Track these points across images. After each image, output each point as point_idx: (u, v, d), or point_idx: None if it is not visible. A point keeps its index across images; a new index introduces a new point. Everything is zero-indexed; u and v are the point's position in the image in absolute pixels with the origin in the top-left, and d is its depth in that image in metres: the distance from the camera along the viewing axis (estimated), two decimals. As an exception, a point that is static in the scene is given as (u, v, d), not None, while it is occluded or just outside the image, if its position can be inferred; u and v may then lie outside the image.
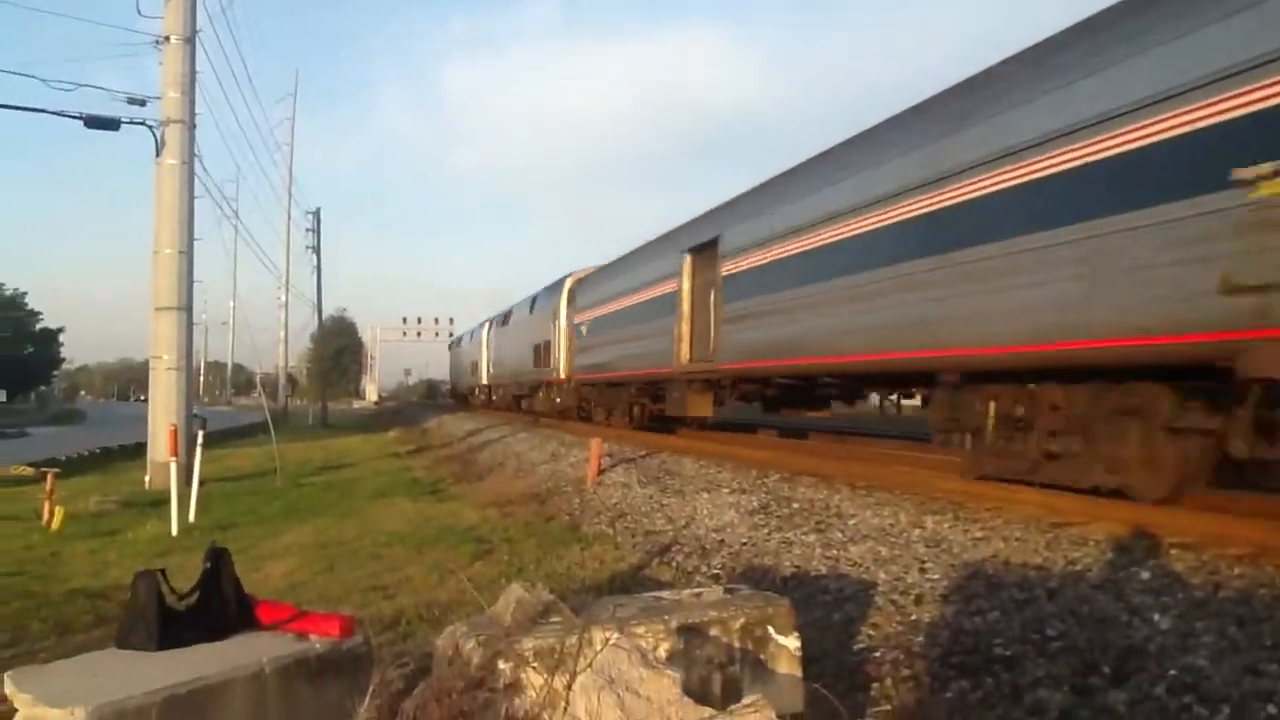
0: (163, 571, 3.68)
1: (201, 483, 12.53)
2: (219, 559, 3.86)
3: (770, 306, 13.82)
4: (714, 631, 3.87)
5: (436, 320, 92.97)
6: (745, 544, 8.42)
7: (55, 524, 11.42)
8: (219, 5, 28.31)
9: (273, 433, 20.07)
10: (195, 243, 18.14)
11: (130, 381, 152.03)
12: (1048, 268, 8.11)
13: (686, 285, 17.45)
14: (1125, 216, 7.38)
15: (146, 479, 16.57)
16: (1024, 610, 5.27)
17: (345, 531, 11.03)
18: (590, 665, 3.42)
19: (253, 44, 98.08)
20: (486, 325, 43.07)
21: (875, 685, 4.80)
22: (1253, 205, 6.29)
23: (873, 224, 11.06)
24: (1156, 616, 4.81)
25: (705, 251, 16.75)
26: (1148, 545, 6.22)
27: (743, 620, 3.94)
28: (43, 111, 16.87)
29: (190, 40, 17.63)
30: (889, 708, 4.57)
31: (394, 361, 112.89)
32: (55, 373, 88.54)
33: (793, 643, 4.00)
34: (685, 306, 17.42)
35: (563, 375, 27.22)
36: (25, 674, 3.32)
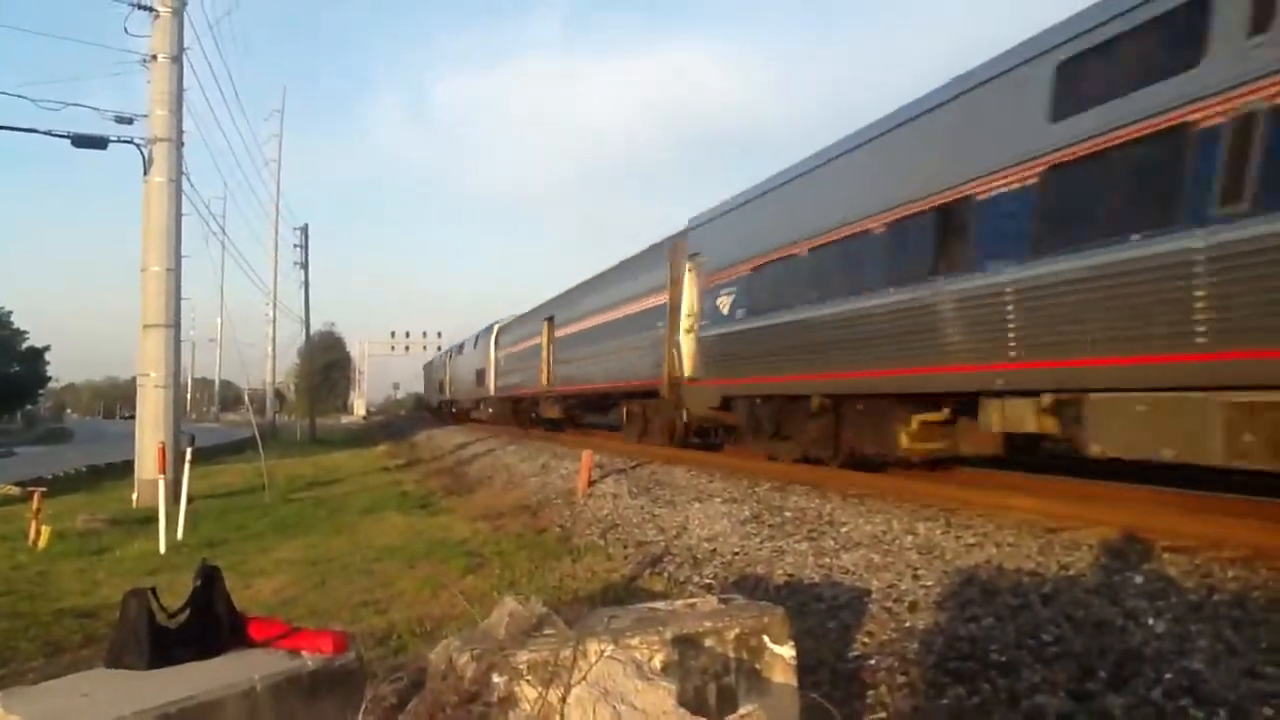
0: (153, 590, 3.64)
1: (190, 500, 12.45)
2: (210, 576, 3.82)
3: (569, 357, 26.66)
4: (709, 642, 3.84)
5: (425, 334, 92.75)
6: (737, 553, 8.40)
7: (42, 543, 11.33)
8: (207, 23, 28.20)
9: (261, 449, 19.95)
10: (183, 260, 18.07)
11: (116, 399, 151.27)
12: (627, 351, 20.44)
13: (545, 340, 29.39)
14: (636, 335, 19.77)
15: (134, 496, 16.43)
16: (1019, 616, 5.27)
17: (336, 547, 10.96)
18: (585, 678, 3.40)
19: (242, 61, 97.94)
20: (449, 352, 55.62)
21: (871, 693, 4.78)
22: (658, 337, 18.04)
23: (599, 320, 23.34)
24: (1152, 620, 4.81)
25: (551, 321, 28.96)
26: (1141, 549, 6.23)
27: (737, 630, 3.91)
28: (32, 131, 16.78)
29: (178, 59, 17.56)
30: (885, 715, 4.55)
31: (383, 376, 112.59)
32: (41, 391, 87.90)
33: (788, 652, 3.97)
34: (544, 352, 29.36)
35: (493, 393, 38.73)
36: (14, 695, 3.28)
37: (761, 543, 8.52)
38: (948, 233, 9.65)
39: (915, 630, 5.50)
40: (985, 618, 5.37)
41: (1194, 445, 6.96)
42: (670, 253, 18.08)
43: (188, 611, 3.72)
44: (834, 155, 12.22)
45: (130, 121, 17.39)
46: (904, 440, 10.90)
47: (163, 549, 10.79)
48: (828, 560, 7.46)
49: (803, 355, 12.34)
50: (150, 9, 17.22)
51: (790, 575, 7.31)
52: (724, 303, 14.98)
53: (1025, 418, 8.67)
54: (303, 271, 49.81)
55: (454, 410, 51.76)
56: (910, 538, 7.63)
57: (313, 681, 3.55)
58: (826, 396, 12.25)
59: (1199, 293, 6.69)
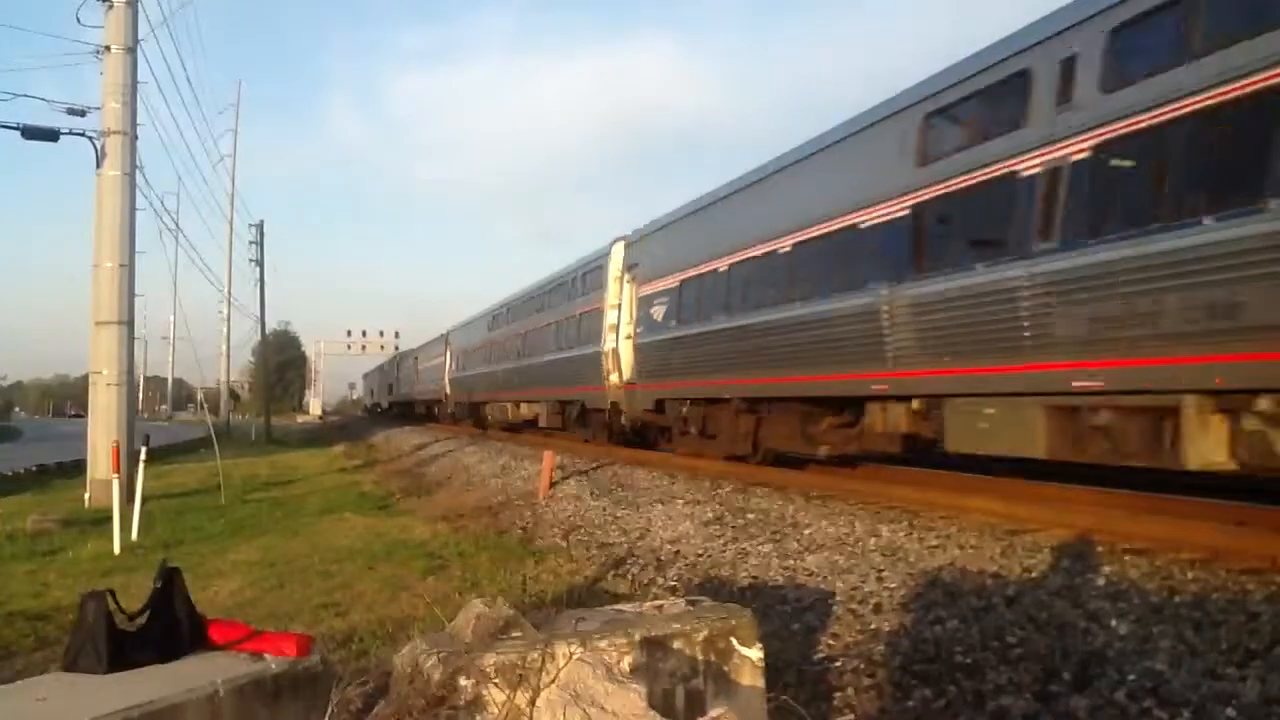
0: (111, 592, 3.55)
1: (144, 500, 12.24)
2: (170, 578, 3.73)
3: (422, 380, 49.63)
4: (677, 644, 3.82)
5: (382, 333, 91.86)
6: (701, 555, 8.39)
7: (-9, 545, 11.09)
8: (161, 14, 27.70)
9: (217, 448, 19.68)
10: (137, 256, 17.75)
11: (66, 398, 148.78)
12: (436, 379, 44.47)
13: (416, 368, 52.29)
14: (437, 374, 43.87)
15: (86, 497, 16.14)
16: (983, 618, 5.29)
17: (294, 548, 10.83)
18: (554, 681, 3.36)
19: (197, 55, 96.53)
20: (377, 369, 79.65)
21: (838, 694, 4.79)
22: (442, 374, 43.03)
23: (427, 364, 48.55)
24: (1114, 622, 4.85)
25: (416, 359, 53.62)
26: (1102, 551, 6.29)
27: (706, 632, 3.90)
28: (-20, 123, 16.46)
29: (132, 50, 17.27)
30: (853, 717, 4.56)
31: (339, 376, 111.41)
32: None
33: (756, 654, 3.96)
34: (415, 375, 52.47)
35: (396, 398, 61.36)
36: (-33, 700, 3.19)
37: (725, 545, 8.52)
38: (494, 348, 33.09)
39: (880, 632, 5.52)
40: (950, 620, 5.39)
41: None
42: (444, 341, 41.90)
43: (147, 614, 3.63)
44: (494, 312, 32.35)
45: (83, 114, 17.11)
46: (503, 417, 29.83)
47: (117, 550, 10.61)
48: (792, 562, 7.47)
49: (480, 385, 32.78)
50: (104, -1, 16.92)
51: (755, 577, 7.31)
52: (458, 364, 38.25)
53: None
54: (258, 269, 49.29)
55: (379, 410, 73.15)
56: (873, 540, 7.66)
57: (276, 685, 3.48)
58: (478, 401, 33.71)
59: None
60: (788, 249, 11.91)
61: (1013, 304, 8.00)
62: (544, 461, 14.19)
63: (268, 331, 55.77)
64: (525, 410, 26.80)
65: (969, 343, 8.62)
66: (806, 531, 8.37)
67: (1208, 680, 4.11)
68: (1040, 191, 7.81)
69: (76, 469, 20.42)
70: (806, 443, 12.38)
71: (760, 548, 8.12)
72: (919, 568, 6.60)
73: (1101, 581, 5.58)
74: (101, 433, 16.40)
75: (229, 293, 51.87)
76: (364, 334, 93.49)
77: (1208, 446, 6.63)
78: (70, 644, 3.51)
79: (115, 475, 11.90)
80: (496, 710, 3.30)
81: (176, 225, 46.14)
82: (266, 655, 3.62)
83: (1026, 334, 7.84)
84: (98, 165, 16.86)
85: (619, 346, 17.86)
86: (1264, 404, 6.31)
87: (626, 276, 17.99)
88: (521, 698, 3.32)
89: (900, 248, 9.67)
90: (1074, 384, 7.41)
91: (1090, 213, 7.43)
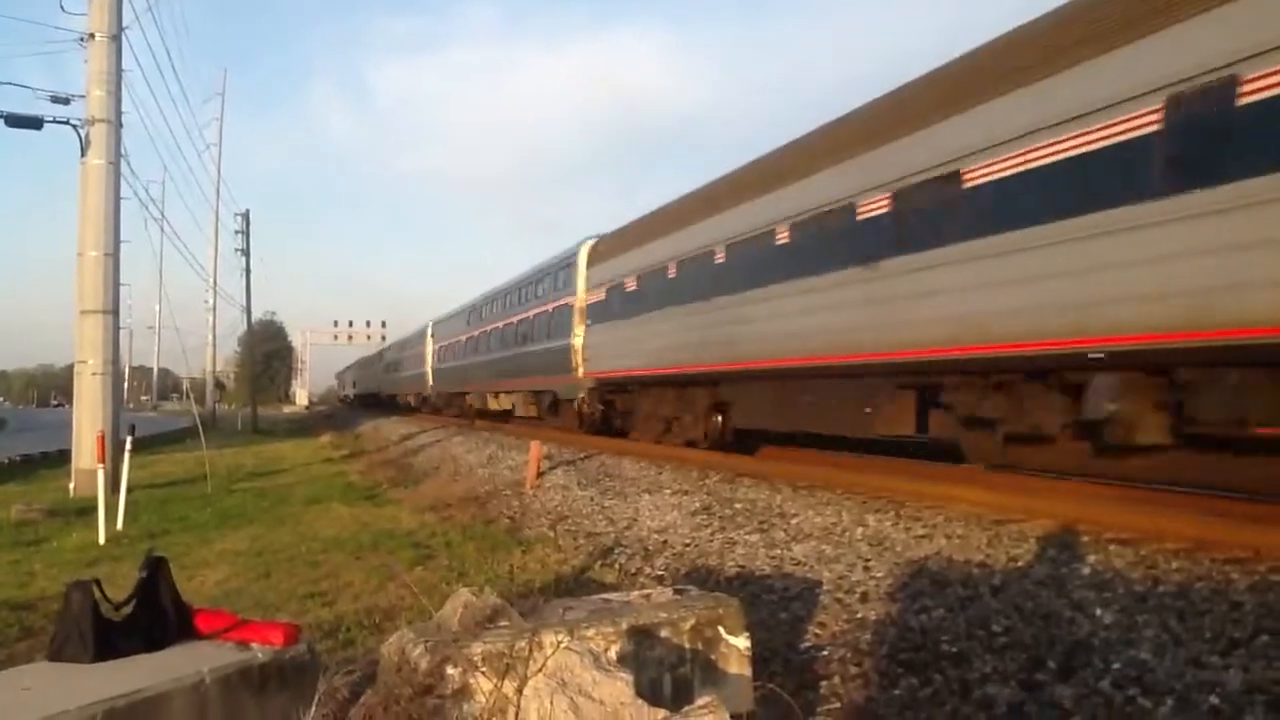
0: (97, 581, 3.54)
1: (129, 490, 12.18)
2: (156, 567, 3.72)
3: (374, 377, 70.31)
4: (665, 633, 3.84)
5: (369, 324, 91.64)
6: (689, 545, 8.40)
7: (-25, 534, 11.01)
8: (146, 2, 27.46)
9: (203, 438, 19.59)
10: (121, 245, 17.61)
11: (50, 387, 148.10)
12: (376, 379, 70.37)
13: (369, 372, 74.19)
14: (373, 377, 72.33)
15: (71, 486, 16.05)
16: (969, 607, 5.32)
17: (280, 538, 10.79)
18: (541, 669, 3.36)
19: (183, 43, 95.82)
20: (348, 367, 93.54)
21: (825, 683, 4.80)
22: (382, 379, 67.42)
23: (372, 371, 74.07)
24: (1099, 611, 4.88)
25: (372, 364, 75.29)
26: (1087, 541, 6.32)
27: (693, 621, 3.91)
28: (-39, 110, 16.31)
29: (117, 37, 17.12)
30: (839, 705, 4.57)
31: (325, 366, 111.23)
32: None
33: (743, 643, 3.99)
34: (366, 375, 76.62)
35: (358, 391, 79.54)
36: (-49, 689, 3.17)
37: (713, 534, 8.54)
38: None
39: (867, 621, 5.54)
40: (936, 609, 5.42)
41: None
42: (376, 357, 71.20)
43: (133, 603, 3.62)
44: (400, 341, 61.01)
45: (67, 101, 16.93)
46: (403, 402, 54.70)
47: (102, 540, 10.55)
48: (779, 552, 7.49)
49: (396, 385, 56.11)
50: (89, -15, 16.76)
51: (742, 566, 7.33)
52: (387, 369, 61.27)
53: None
54: (244, 258, 48.98)
55: (350, 401, 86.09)
56: (860, 529, 7.69)
57: (263, 674, 3.47)
58: (393, 393, 58.53)
59: None
60: (461, 340, 35.74)
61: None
62: (531, 451, 14.18)
63: (254, 321, 55.59)
64: (409, 398, 50.91)
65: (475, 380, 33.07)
66: (794, 521, 8.39)
67: (1191, 669, 4.14)
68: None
69: (61, 459, 20.30)
70: (467, 410, 33.53)
71: (747, 537, 8.14)
72: (906, 557, 6.62)
73: (1086, 571, 5.61)
74: (86, 422, 16.29)
75: (215, 282, 51.54)
76: (350, 324, 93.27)
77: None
78: (56, 633, 3.49)
79: (100, 465, 11.83)
80: (484, 699, 3.30)
81: (162, 214, 45.62)
82: (253, 644, 3.61)
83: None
84: (82, 154, 16.70)
85: (429, 370, 42.65)
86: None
87: (431, 339, 42.50)
88: (509, 686, 3.32)
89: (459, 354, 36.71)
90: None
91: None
